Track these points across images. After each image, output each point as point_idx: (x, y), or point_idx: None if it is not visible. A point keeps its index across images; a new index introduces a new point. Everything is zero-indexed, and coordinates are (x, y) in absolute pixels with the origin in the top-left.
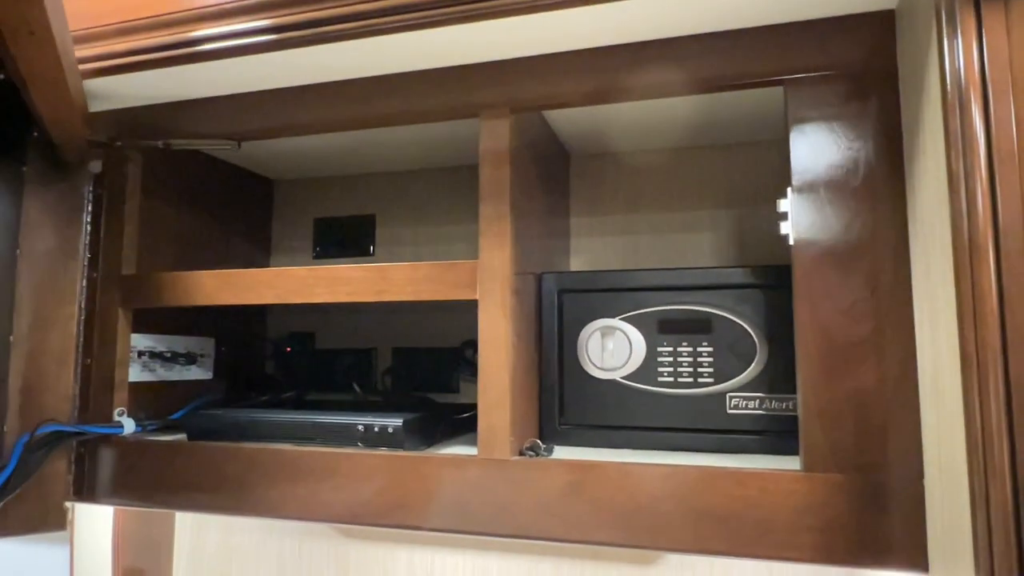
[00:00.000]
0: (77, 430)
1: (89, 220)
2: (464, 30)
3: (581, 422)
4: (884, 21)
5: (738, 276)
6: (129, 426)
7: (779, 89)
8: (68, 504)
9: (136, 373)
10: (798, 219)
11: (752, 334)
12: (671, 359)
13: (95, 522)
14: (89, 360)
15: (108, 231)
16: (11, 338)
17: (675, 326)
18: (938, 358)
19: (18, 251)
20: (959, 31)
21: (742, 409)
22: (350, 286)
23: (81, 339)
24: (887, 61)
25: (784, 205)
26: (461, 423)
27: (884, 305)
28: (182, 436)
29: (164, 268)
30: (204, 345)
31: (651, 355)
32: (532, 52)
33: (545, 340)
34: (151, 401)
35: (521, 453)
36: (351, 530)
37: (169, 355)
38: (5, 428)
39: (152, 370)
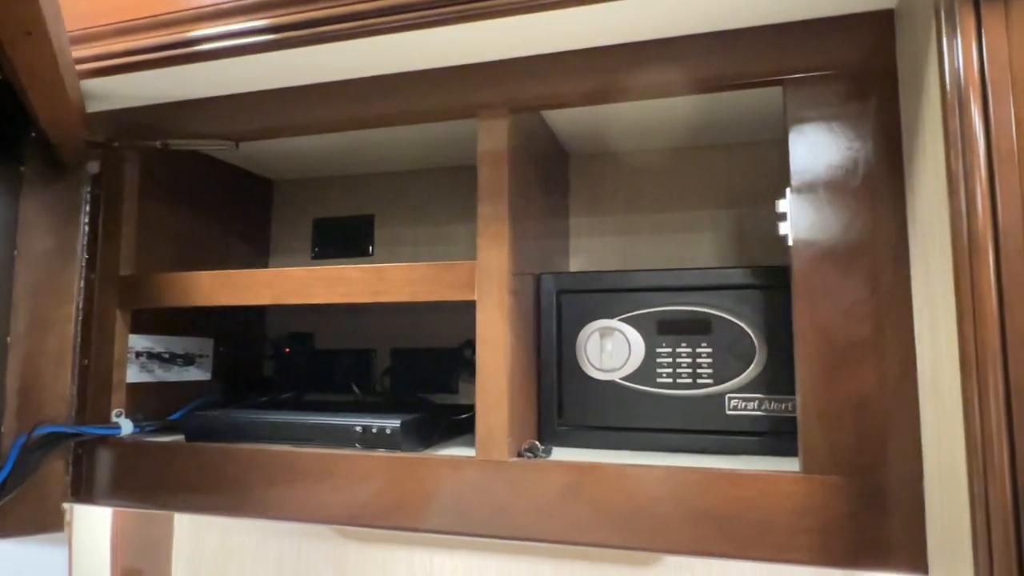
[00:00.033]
0: (74, 431)
1: (87, 221)
2: (461, 30)
3: (580, 423)
4: (883, 21)
5: (737, 277)
6: (127, 427)
7: (779, 89)
8: (66, 505)
9: (134, 374)
10: (797, 220)
11: (751, 335)
12: (670, 360)
13: (94, 523)
14: (87, 361)
15: (106, 232)
16: (8, 339)
17: (674, 327)
18: (938, 359)
19: (16, 252)
20: (958, 31)
21: (741, 410)
22: (348, 287)
23: (79, 340)
24: (886, 61)
25: (783, 206)
26: (460, 424)
27: (883, 306)
28: (180, 437)
29: (162, 269)
30: (202, 346)
31: (650, 356)
32: (530, 52)
33: (544, 341)
34: (149, 402)
35: (519, 454)
36: (350, 531)
37: (167, 356)
38: (2, 429)
39: (150, 371)
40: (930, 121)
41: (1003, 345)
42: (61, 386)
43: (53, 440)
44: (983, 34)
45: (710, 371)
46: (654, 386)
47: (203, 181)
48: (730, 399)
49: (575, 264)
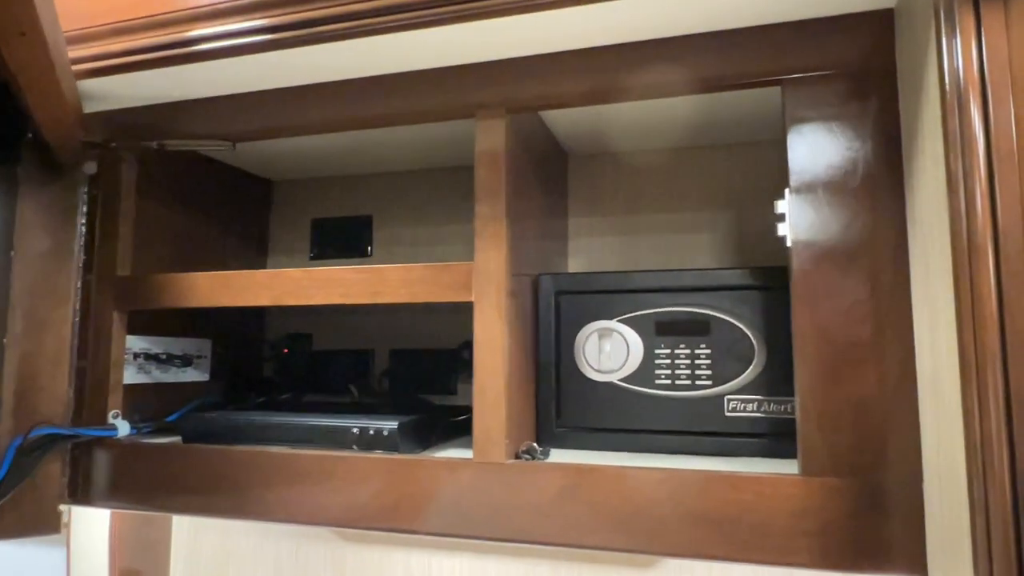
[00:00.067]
0: (71, 433)
1: (84, 221)
2: (458, 30)
3: (578, 425)
4: (883, 20)
5: (736, 278)
6: (123, 429)
7: (779, 88)
8: (63, 507)
9: (131, 375)
10: (796, 220)
11: (750, 336)
12: (669, 361)
13: (92, 524)
14: (83, 362)
15: (103, 232)
16: (4, 340)
17: (673, 328)
18: (937, 360)
19: (12, 252)
20: (958, 30)
21: (740, 412)
22: (344, 288)
23: (75, 341)
24: (886, 61)
25: (782, 206)
26: (458, 425)
27: (883, 307)
28: (177, 439)
29: (161, 269)
30: (200, 347)
31: (648, 357)
32: (528, 52)
33: (542, 342)
34: (147, 403)
35: (517, 456)
36: (348, 533)
37: (165, 357)
38: None
39: (147, 372)
40: (929, 121)
41: (1003, 346)
42: (58, 387)
43: (49, 441)
44: (983, 34)
45: (709, 372)
46: (653, 387)
47: (202, 181)
48: (729, 401)
49: (574, 265)
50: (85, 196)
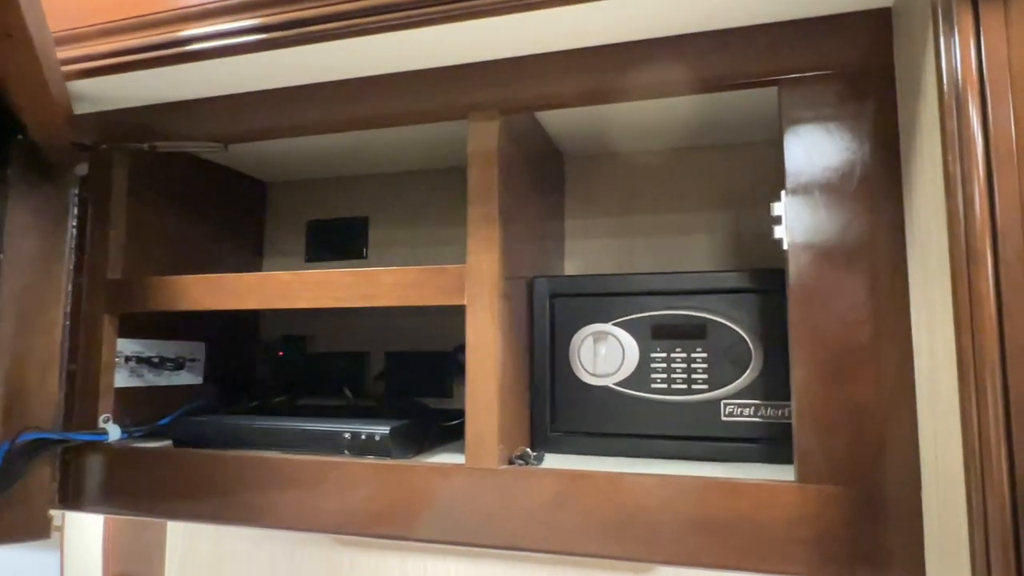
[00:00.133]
0: (61, 437)
1: (75, 224)
2: (448, 30)
3: (573, 429)
4: (880, 20)
5: (733, 280)
6: (114, 433)
7: (776, 89)
8: (53, 512)
9: (123, 379)
10: (793, 223)
11: (747, 340)
12: (664, 365)
13: (85, 527)
14: (74, 366)
15: (94, 235)
16: None
17: (669, 331)
18: (935, 364)
19: (2, 255)
20: (956, 30)
21: (737, 416)
22: (336, 291)
23: (66, 344)
24: (883, 61)
25: (778, 208)
26: (452, 429)
27: (881, 311)
28: (169, 443)
29: (155, 272)
30: (193, 349)
31: (644, 361)
32: (520, 52)
33: (536, 346)
34: (139, 407)
35: (511, 461)
36: (343, 537)
37: (157, 360)
38: None
39: (140, 375)
40: (928, 122)
41: (1001, 349)
42: (48, 391)
43: (39, 446)
44: (981, 33)
45: (705, 376)
46: (648, 392)
47: (195, 183)
48: (725, 405)
49: (570, 267)
50: (76, 198)
